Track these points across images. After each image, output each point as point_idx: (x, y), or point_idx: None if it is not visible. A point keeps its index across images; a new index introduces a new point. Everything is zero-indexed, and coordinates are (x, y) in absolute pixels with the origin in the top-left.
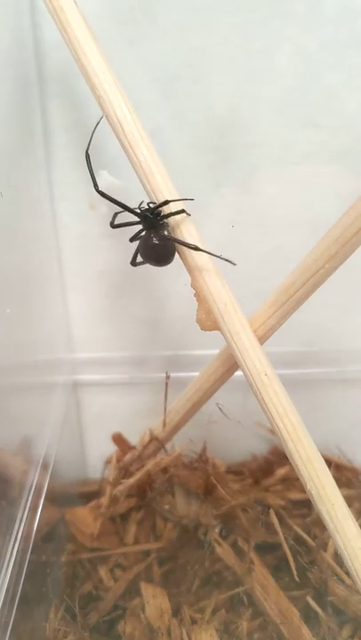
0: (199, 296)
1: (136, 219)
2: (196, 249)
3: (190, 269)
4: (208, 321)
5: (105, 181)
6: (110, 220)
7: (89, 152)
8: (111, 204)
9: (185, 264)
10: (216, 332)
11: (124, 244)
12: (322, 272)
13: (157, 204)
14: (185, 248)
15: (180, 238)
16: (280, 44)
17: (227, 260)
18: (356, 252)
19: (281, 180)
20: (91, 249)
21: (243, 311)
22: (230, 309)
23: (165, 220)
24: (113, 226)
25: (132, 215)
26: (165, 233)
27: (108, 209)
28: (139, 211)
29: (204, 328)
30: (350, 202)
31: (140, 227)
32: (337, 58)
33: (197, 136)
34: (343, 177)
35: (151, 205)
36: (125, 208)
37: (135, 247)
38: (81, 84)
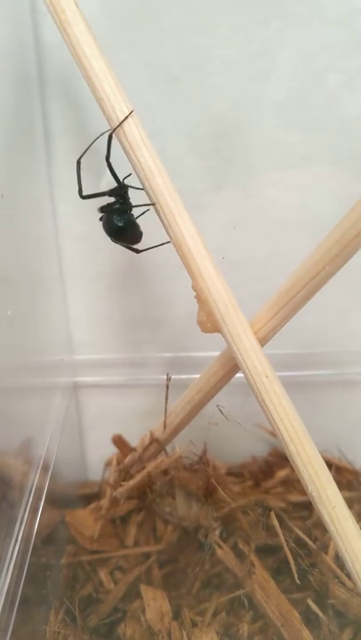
0: (200, 298)
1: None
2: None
3: (191, 271)
4: (209, 323)
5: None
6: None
7: (80, 161)
8: None
9: (186, 266)
10: (217, 334)
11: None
12: (323, 274)
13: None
14: (185, 249)
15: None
16: (280, 46)
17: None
18: (357, 254)
19: (281, 183)
20: (91, 250)
21: (243, 313)
22: (231, 311)
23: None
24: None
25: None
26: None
27: None
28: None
29: (204, 330)
30: (351, 204)
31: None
32: (337, 59)
33: (198, 138)
34: (344, 179)
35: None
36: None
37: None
38: (81, 85)
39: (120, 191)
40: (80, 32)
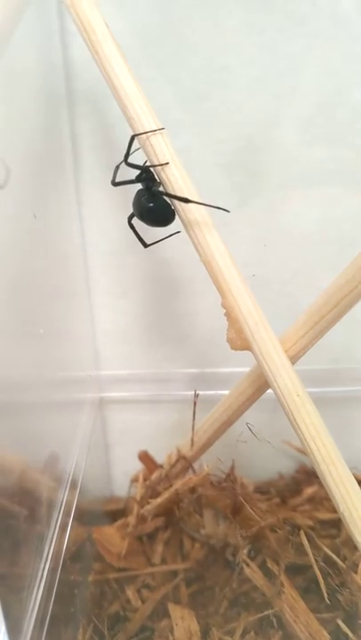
0: (230, 316)
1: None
2: (187, 201)
3: (221, 289)
4: (239, 340)
5: None
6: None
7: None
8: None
9: (215, 283)
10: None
11: (150, 262)
12: (355, 292)
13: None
14: (215, 266)
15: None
16: (306, 63)
17: (219, 208)
18: None
19: (308, 198)
20: (118, 266)
21: (272, 330)
22: (261, 329)
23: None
24: (114, 184)
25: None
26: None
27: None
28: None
29: (234, 347)
30: None
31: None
32: None
33: (224, 154)
34: None
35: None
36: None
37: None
38: (110, 104)
39: (145, 175)
40: (110, 52)
